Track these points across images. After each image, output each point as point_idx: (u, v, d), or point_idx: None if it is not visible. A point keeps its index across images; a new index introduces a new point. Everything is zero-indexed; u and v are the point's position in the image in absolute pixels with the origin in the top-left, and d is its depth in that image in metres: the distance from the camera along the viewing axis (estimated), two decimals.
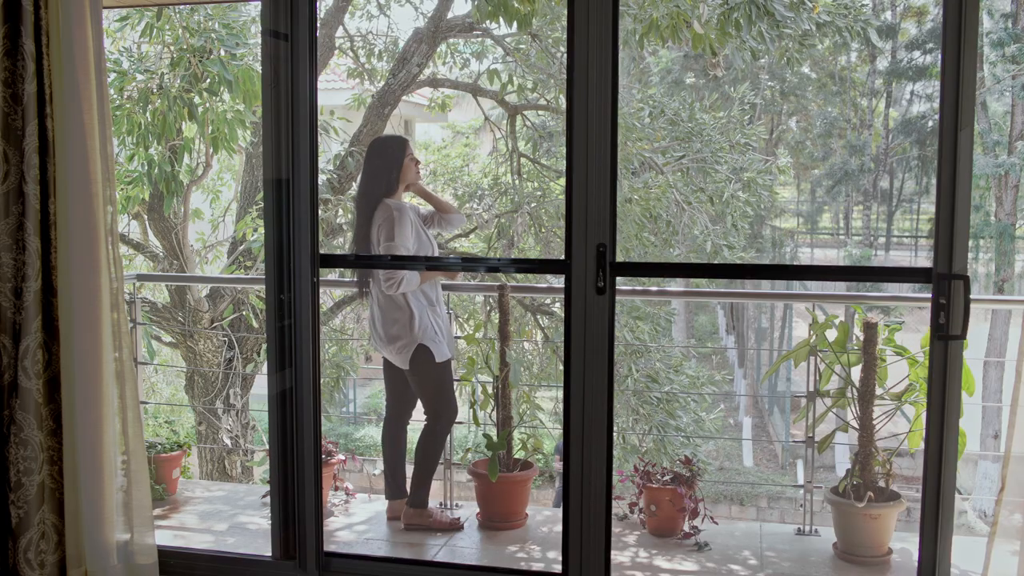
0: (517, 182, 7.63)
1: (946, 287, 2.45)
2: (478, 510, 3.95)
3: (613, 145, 2.63)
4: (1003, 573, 2.62)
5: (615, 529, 3.78)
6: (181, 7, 5.88)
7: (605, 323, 2.68)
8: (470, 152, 10.94)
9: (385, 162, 3.81)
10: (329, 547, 3.55)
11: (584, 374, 2.72)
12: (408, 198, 4.00)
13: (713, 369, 13.27)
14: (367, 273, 3.87)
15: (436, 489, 3.99)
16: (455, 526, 3.85)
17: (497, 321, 4.11)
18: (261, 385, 3.60)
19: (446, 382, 3.89)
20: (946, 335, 2.46)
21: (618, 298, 3.78)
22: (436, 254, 3.87)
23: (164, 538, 3.66)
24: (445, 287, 4.14)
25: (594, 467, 2.74)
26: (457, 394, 4.20)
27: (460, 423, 4.28)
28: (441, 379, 3.87)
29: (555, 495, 9.26)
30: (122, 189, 6.13)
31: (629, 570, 3.47)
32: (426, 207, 4.06)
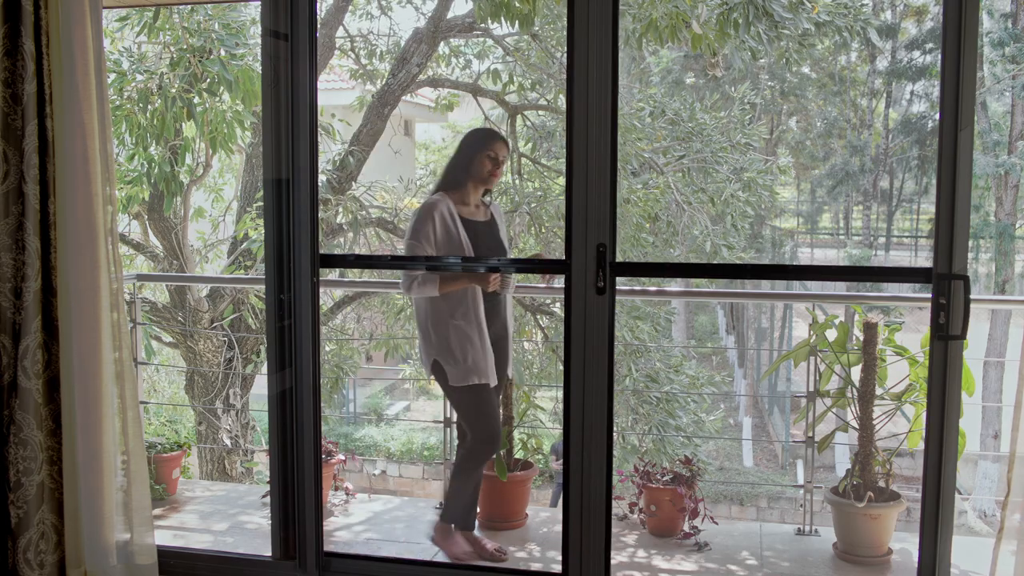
0: (517, 182, 7.62)
1: (946, 287, 2.45)
2: (479, 510, 3.95)
3: (613, 145, 2.63)
4: (1009, 575, 2.61)
5: (615, 529, 3.78)
6: (181, 7, 5.88)
7: (605, 323, 2.68)
8: None
9: (461, 154, 3.54)
10: (329, 547, 3.55)
11: (584, 374, 2.72)
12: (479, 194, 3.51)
13: (713, 369, 13.28)
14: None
15: (436, 488, 3.96)
16: (496, 557, 3.54)
17: None
18: (261, 385, 3.58)
19: (468, 406, 3.51)
20: (946, 335, 2.46)
21: (618, 298, 3.77)
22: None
23: (164, 538, 3.66)
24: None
25: (594, 467, 2.74)
26: None
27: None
28: (462, 403, 3.52)
29: (552, 494, 9.26)
30: (122, 188, 6.14)
31: (629, 570, 3.46)
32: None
